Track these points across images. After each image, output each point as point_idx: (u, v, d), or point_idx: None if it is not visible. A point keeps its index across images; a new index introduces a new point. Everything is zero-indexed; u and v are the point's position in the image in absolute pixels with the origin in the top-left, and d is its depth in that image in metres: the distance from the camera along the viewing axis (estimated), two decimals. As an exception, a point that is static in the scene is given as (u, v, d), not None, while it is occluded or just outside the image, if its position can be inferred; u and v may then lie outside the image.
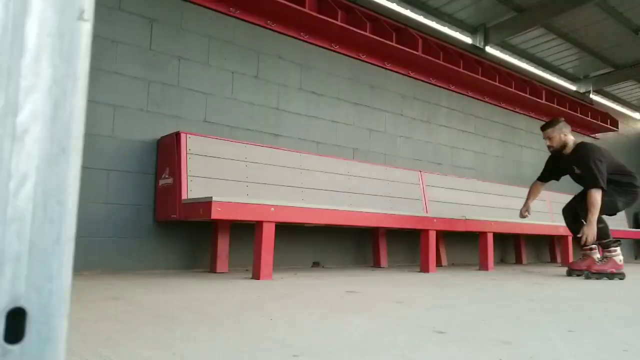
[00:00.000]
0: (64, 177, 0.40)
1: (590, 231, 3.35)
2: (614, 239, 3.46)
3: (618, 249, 3.44)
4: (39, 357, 0.39)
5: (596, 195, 3.34)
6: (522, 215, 3.93)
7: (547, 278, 3.34)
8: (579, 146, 3.56)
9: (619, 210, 3.58)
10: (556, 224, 5.03)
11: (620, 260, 3.41)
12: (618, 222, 6.95)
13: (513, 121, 6.09)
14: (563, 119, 3.70)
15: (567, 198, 6.28)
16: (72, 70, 0.41)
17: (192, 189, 2.92)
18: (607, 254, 3.43)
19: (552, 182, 6.46)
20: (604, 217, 3.48)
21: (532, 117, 6.35)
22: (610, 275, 3.34)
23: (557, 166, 3.77)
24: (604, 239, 3.43)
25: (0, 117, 0.37)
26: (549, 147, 3.66)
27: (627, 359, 1.05)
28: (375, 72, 4.57)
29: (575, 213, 3.66)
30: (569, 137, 3.59)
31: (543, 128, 3.65)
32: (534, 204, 4.10)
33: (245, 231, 3.37)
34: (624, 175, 3.59)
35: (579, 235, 3.51)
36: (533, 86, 6.00)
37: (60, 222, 0.40)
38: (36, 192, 0.39)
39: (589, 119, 6.78)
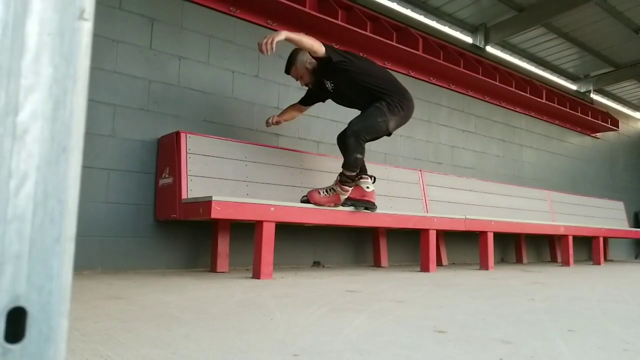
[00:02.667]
0: (65, 176, 0.40)
1: (274, 36, 2.74)
2: (367, 175, 3.27)
3: (369, 179, 3.26)
4: (40, 357, 0.39)
5: (315, 46, 2.87)
6: (267, 123, 3.41)
7: (548, 277, 3.34)
8: None
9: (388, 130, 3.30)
10: (556, 223, 5.03)
11: (367, 188, 3.22)
12: (618, 222, 6.95)
13: (513, 120, 6.09)
14: (296, 49, 3.11)
15: (567, 197, 6.34)
16: (73, 69, 0.41)
17: (192, 189, 2.92)
18: (358, 181, 3.22)
19: (553, 183, 6.51)
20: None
21: (532, 116, 6.35)
22: (358, 203, 3.19)
23: (317, 90, 3.33)
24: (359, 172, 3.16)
25: (0, 117, 0.37)
26: (306, 85, 3.26)
27: (628, 358, 1.05)
28: (376, 72, 4.56)
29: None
30: (314, 62, 3.10)
31: (287, 72, 3.21)
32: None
33: (245, 231, 3.37)
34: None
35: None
36: (533, 85, 6.00)
37: (61, 221, 0.40)
38: (36, 191, 0.39)
39: (589, 118, 6.78)
